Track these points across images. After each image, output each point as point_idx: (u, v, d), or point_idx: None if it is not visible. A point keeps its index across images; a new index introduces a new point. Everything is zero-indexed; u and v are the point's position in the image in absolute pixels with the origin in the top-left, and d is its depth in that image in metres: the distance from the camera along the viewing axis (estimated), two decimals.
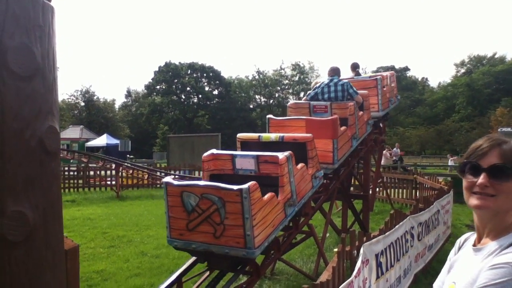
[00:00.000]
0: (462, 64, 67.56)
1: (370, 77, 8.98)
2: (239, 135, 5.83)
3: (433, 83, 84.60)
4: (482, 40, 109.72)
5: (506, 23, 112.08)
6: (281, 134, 5.49)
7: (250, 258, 4.25)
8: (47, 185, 1.13)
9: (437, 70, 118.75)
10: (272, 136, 5.47)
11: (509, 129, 19.32)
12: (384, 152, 21.87)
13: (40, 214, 1.10)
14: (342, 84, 6.92)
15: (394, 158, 22.70)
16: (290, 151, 4.81)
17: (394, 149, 23.32)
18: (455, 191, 9.66)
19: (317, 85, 7.36)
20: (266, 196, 4.38)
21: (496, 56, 63.72)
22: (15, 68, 1.08)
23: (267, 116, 6.85)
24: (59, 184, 1.19)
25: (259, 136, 5.57)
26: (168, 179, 4.68)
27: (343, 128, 6.33)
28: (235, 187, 4.06)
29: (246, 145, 5.67)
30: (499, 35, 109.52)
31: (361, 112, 7.20)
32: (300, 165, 5.07)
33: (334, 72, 7.23)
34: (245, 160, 4.88)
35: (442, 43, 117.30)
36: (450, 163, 22.37)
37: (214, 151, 5.16)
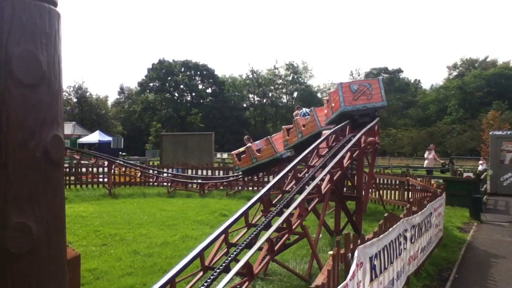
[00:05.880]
0: (455, 66, 68.14)
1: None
2: None
3: (426, 85, 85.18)
4: (474, 44, 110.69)
5: (498, 27, 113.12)
6: None
7: None
8: (51, 196, 1.12)
9: (429, 72, 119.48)
10: None
11: (500, 133, 19.43)
12: (426, 154, 21.51)
13: (43, 226, 1.08)
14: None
15: (442, 161, 21.54)
16: None
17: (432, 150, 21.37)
18: (447, 194, 9.74)
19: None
20: None
21: (488, 60, 64.41)
22: (21, 76, 1.06)
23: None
24: (63, 195, 1.17)
25: None
26: None
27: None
28: None
29: None
30: (491, 39, 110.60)
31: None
32: None
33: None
34: None
35: (435, 45, 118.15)
36: (480, 167, 21.65)
37: None
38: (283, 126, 14.90)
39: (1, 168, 1.03)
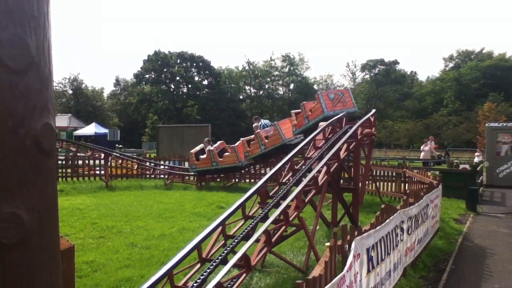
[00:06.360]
0: (451, 58, 68.10)
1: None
2: None
3: (422, 77, 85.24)
4: (470, 35, 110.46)
5: (493, 19, 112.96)
6: None
7: None
8: (42, 185, 1.08)
9: (426, 64, 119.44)
10: None
11: (496, 124, 19.46)
12: (422, 146, 21.62)
13: (35, 215, 1.05)
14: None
15: (438, 153, 21.47)
16: None
17: (429, 141, 21.71)
18: (444, 185, 9.75)
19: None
20: None
21: (484, 51, 64.36)
22: (9, 61, 1.02)
23: None
24: (55, 184, 1.14)
25: None
26: None
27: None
28: None
29: None
30: (487, 31, 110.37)
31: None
32: None
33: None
34: None
35: (431, 37, 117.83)
36: (477, 159, 21.70)
37: None
38: (242, 139, 15.37)
39: None
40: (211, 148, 15.18)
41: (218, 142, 15.68)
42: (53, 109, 1.13)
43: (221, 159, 14.85)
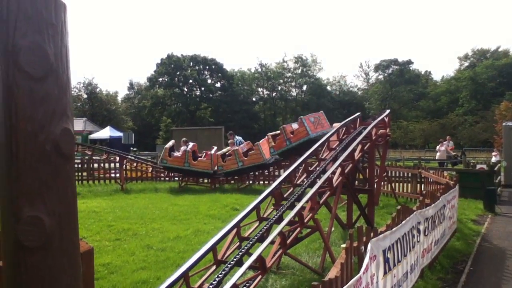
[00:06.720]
0: (466, 57, 67.16)
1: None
2: None
3: (437, 76, 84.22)
4: (485, 34, 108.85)
5: (510, 17, 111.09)
6: None
7: None
8: (62, 189, 1.10)
9: (440, 64, 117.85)
10: None
11: None
12: (438, 147, 21.45)
13: (56, 219, 1.07)
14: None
15: (454, 153, 21.16)
16: None
17: (445, 142, 21.45)
18: (460, 186, 9.61)
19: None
20: None
21: (499, 50, 63.32)
22: (28, 68, 1.04)
23: None
24: (74, 188, 1.16)
25: None
26: None
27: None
28: None
29: None
30: (503, 29, 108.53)
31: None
32: None
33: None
34: None
35: (446, 36, 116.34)
36: (494, 159, 21.36)
37: None
38: (215, 152, 15.93)
39: (12, 161, 1.01)
40: (188, 149, 15.54)
41: (191, 144, 16.06)
42: (71, 114, 1.16)
43: (195, 162, 15.33)
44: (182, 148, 15.77)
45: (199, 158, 15.47)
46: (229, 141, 16.20)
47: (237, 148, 15.31)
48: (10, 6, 1.03)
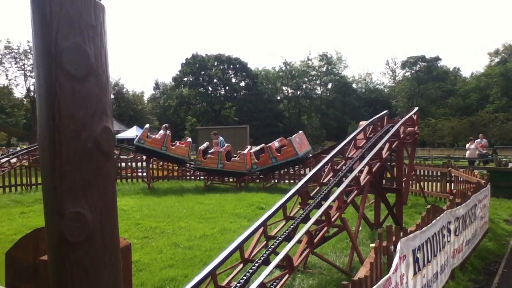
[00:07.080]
0: (497, 53, 65.19)
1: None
2: None
3: (465, 73, 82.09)
4: None
5: None
6: None
7: None
8: (103, 186, 1.13)
9: (469, 60, 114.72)
10: None
11: None
12: (468, 145, 20.99)
13: (98, 215, 1.10)
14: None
15: (484, 151, 20.59)
16: None
17: (478, 140, 20.82)
18: (492, 185, 9.36)
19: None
20: None
21: None
22: (70, 69, 1.08)
23: None
24: (114, 185, 1.19)
25: None
26: None
27: None
28: None
29: None
30: None
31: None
32: None
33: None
34: None
35: (475, 31, 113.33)
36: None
37: None
38: (200, 148, 16.15)
39: (55, 159, 1.05)
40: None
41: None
42: (111, 113, 1.19)
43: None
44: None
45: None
46: (213, 141, 16.26)
47: (221, 150, 15.45)
48: (53, 9, 1.07)
